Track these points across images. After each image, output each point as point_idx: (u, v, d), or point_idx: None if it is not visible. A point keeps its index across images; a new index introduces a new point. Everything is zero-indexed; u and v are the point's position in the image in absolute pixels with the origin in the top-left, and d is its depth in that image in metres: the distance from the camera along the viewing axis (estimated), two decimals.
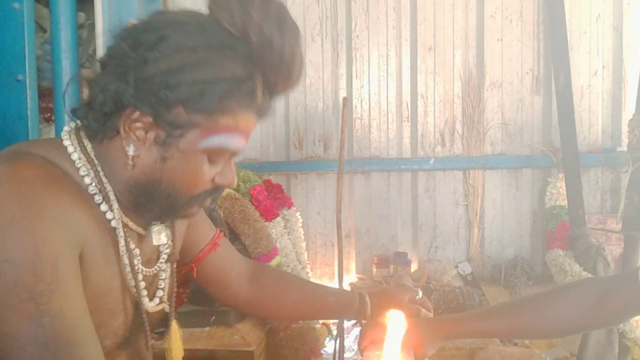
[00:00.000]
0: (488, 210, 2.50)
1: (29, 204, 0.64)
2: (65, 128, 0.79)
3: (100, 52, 1.40)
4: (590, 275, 2.02)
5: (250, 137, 0.80)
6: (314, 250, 2.52)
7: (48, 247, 0.63)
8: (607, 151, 2.42)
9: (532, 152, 2.48)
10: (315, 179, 2.51)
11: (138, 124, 0.72)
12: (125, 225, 0.78)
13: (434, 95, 2.49)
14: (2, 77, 1.25)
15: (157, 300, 0.86)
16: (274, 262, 2.02)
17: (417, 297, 1.10)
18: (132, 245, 0.79)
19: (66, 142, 0.75)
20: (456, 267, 2.38)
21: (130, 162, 0.73)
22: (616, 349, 1.90)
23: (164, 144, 0.72)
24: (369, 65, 2.49)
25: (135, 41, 0.70)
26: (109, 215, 0.76)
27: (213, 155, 0.75)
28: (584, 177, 2.40)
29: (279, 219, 2.20)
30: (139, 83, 0.70)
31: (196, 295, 1.88)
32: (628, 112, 2.34)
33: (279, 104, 2.61)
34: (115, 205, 0.76)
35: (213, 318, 1.80)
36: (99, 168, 0.75)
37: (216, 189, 0.80)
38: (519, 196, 2.50)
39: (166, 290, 0.89)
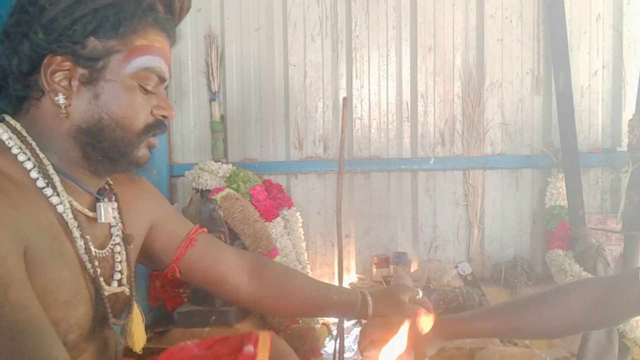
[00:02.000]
0: (488, 210, 2.50)
1: None
2: None
3: None
4: (590, 275, 2.02)
5: (169, 58, 0.83)
6: (314, 250, 2.52)
7: None
8: (607, 151, 2.42)
9: (532, 152, 2.48)
10: (315, 179, 2.51)
11: (59, 73, 0.74)
12: (73, 209, 0.78)
13: (434, 95, 2.49)
14: None
15: (115, 283, 0.85)
16: None
17: (418, 297, 1.10)
18: (80, 231, 0.79)
19: None
20: (456, 267, 2.38)
21: (64, 111, 0.74)
22: (616, 349, 1.90)
23: (91, 81, 0.75)
24: (369, 65, 2.49)
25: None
26: (53, 200, 0.75)
27: (141, 79, 0.78)
28: (584, 177, 2.40)
29: (279, 219, 2.20)
30: (47, 29, 0.72)
31: (196, 295, 1.88)
32: (628, 112, 2.33)
33: (279, 103, 2.63)
34: (58, 182, 0.76)
35: (213, 318, 1.81)
36: (33, 144, 0.75)
37: (158, 123, 0.82)
38: (519, 196, 2.50)
39: (125, 273, 0.87)
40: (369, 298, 1.09)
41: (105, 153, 0.78)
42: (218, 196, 2.07)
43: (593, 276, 1.99)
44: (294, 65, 2.49)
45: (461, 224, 2.51)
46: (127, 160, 0.80)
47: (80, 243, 0.78)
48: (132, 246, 0.89)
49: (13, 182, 0.72)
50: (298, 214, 2.35)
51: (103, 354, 0.87)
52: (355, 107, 2.50)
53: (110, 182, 0.91)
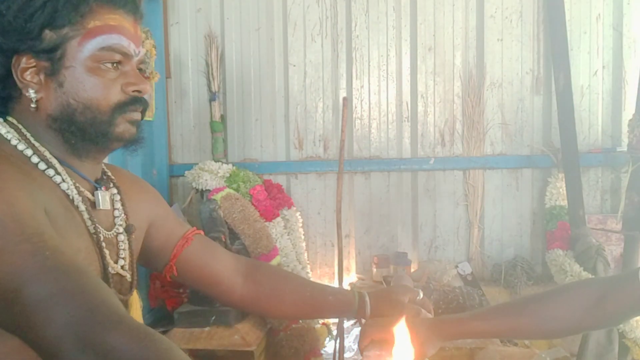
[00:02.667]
0: (488, 210, 2.50)
1: None
2: None
3: None
4: (590, 275, 2.02)
5: (133, 33, 0.84)
6: (314, 250, 2.52)
7: (21, 203, 0.67)
8: (607, 151, 2.42)
9: (532, 152, 2.48)
10: (315, 179, 2.51)
11: (28, 71, 0.78)
12: (76, 186, 0.82)
13: (434, 95, 2.49)
14: None
15: (118, 267, 0.88)
16: (274, 262, 2.02)
17: (418, 297, 1.10)
18: (85, 206, 0.82)
19: None
20: (456, 267, 2.38)
21: (33, 105, 0.79)
22: (616, 349, 1.90)
23: (54, 72, 0.79)
24: (369, 65, 2.49)
25: None
26: (56, 179, 0.80)
27: (101, 59, 0.80)
28: (584, 177, 2.40)
29: (279, 219, 2.20)
30: (6, 32, 0.77)
31: (196, 295, 1.88)
32: (628, 112, 2.33)
33: (279, 103, 2.63)
34: (57, 164, 0.80)
35: (213, 318, 1.81)
36: (28, 135, 0.80)
37: (133, 98, 0.84)
38: (519, 196, 2.50)
39: (127, 260, 0.91)
40: (367, 298, 1.10)
41: (83, 135, 0.81)
42: (218, 196, 2.07)
43: (593, 276, 1.99)
44: (294, 65, 2.49)
45: (461, 224, 2.51)
46: (107, 138, 0.83)
47: (86, 216, 0.82)
48: (134, 236, 0.93)
49: (21, 161, 0.78)
50: (298, 214, 2.35)
51: None
52: (355, 107, 2.50)
53: (109, 174, 0.94)
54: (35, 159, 0.78)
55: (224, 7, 2.49)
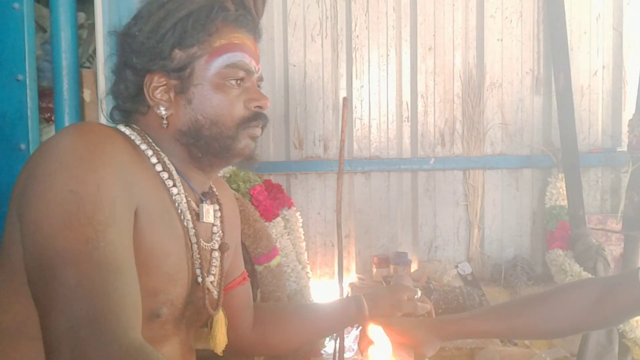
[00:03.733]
0: (488, 210, 2.50)
1: (95, 150, 0.71)
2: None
3: (100, 51, 1.40)
4: (590, 275, 2.02)
5: (254, 51, 0.88)
6: (314, 250, 2.52)
7: (108, 188, 0.69)
8: (607, 151, 2.42)
9: (532, 152, 2.48)
10: (315, 179, 2.51)
11: (159, 89, 0.82)
12: (186, 195, 0.84)
13: (434, 95, 2.49)
14: (2, 77, 1.25)
15: (208, 282, 0.89)
16: (274, 262, 2.02)
17: (416, 296, 1.10)
18: (189, 215, 0.84)
19: (121, 127, 0.84)
20: (456, 267, 2.38)
21: (165, 122, 0.83)
22: (616, 349, 1.90)
23: (183, 90, 0.82)
24: (369, 65, 2.49)
25: (123, 30, 0.84)
26: (169, 183, 0.82)
27: (227, 77, 0.83)
28: (584, 177, 2.40)
29: (279, 219, 2.20)
30: (139, 53, 0.81)
31: None
32: (628, 112, 2.33)
33: (279, 104, 2.62)
34: (173, 171, 0.83)
35: None
36: (149, 139, 0.83)
37: (255, 114, 0.87)
38: (519, 196, 2.50)
39: (217, 277, 0.91)
40: (364, 300, 1.10)
41: (208, 149, 0.84)
42: None
43: (593, 276, 1.99)
44: (294, 65, 2.49)
45: (461, 224, 2.51)
46: (230, 153, 0.86)
47: (189, 225, 0.84)
48: (226, 255, 0.94)
49: (138, 151, 0.81)
50: (298, 214, 2.35)
51: (183, 355, 0.91)
52: (355, 107, 2.50)
53: (215, 190, 0.96)
54: (154, 160, 0.81)
55: None
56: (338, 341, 1.50)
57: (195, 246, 0.84)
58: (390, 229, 2.52)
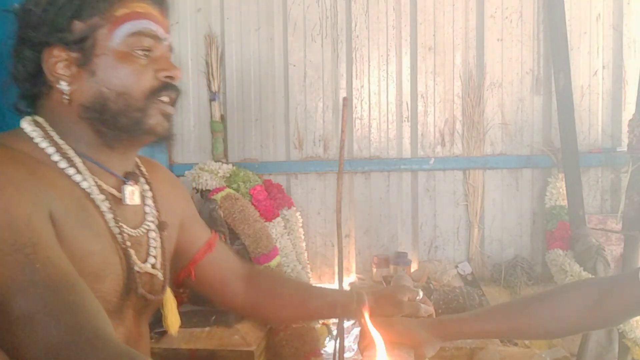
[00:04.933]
0: (488, 210, 2.50)
1: None
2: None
3: None
4: (590, 275, 2.02)
5: (161, 19, 0.85)
6: (314, 250, 2.52)
7: (17, 208, 0.66)
8: (607, 151, 2.42)
9: (532, 152, 2.48)
10: (315, 179, 2.51)
11: (59, 64, 0.78)
12: (98, 185, 0.81)
13: (434, 95, 2.49)
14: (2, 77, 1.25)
15: (148, 265, 0.86)
16: (274, 262, 2.02)
17: (418, 297, 1.10)
18: (108, 205, 0.80)
19: (23, 124, 0.80)
20: (456, 267, 2.38)
21: (66, 97, 0.79)
22: (616, 349, 1.90)
23: (85, 62, 0.79)
24: (369, 65, 2.49)
25: (19, 6, 0.80)
26: (76, 178, 0.78)
27: (132, 45, 0.80)
28: (584, 177, 2.40)
29: (279, 219, 2.20)
30: (36, 27, 0.78)
31: (196, 295, 1.88)
32: (628, 112, 2.33)
33: (279, 103, 2.63)
34: (79, 163, 0.79)
35: (213, 318, 1.80)
36: (52, 133, 0.79)
37: (165, 84, 0.84)
38: (519, 196, 2.50)
39: (159, 259, 0.89)
40: (366, 298, 1.10)
41: (115, 125, 0.80)
42: (218, 196, 2.07)
43: (593, 276, 1.99)
44: (294, 65, 2.49)
45: (461, 224, 2.51)
46: (140, 129, 0.83)
47: (109, 216, 0.80)
48: (166, 233, 0.91)
49: (36, 161, 0.76)
50: (298, 214, 2.35)
51: (131, 344, 0.87)
52: (355, 107, 2.50)
53: (143, 170, 0.93)
54: (56, 157, 0.78)
55: (224, 7, 2.49)
56: (338, 341, 1.50)
57: (120, 236, 0.81)
58: (390, 229, 2.52)
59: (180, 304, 1.96)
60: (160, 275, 0.89)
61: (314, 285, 1.19)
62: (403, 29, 2.48)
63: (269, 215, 2.15)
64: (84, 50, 0.78)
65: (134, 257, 0.83)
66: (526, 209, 2.50)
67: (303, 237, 2.33)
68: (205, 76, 2.49)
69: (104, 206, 0.80)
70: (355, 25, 2.47)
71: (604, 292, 0.93)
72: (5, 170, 0.69)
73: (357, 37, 2.48)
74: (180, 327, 1.84)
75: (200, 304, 1.86)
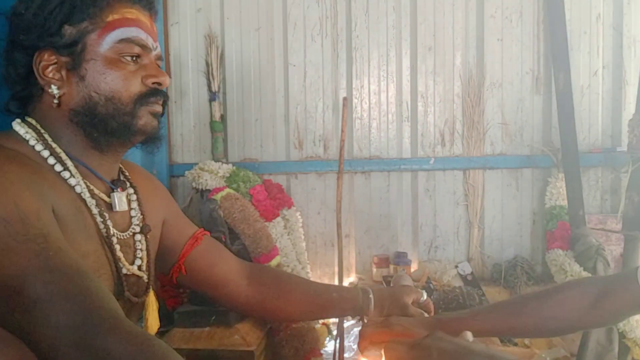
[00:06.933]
0: (488, 210, 2.50)
1: None
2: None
3: None
4: (590, 275, 2.02)
5: (150, 27, 0.85)
6: (314, 250, 2.52)
7: (26, 203, 0.68)
8: (607, 151, 2.42)
9: (532, 152, 2.48)
10: (315, 179, 2.51)
11: (49, 68, 0.80)
12: (89, 189, 0.83)
13: (434, 95, 2.49)
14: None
15: (135, 267, 0.88)
16: (274, 262, 2.02)
17: (422, 299, 1.10)
18: (99, 209, 0.82)
19: (16, 127, 0.81)
20: (456, 267, 2.38)
21: (56, 101, 0.80)
22: (616, 349, 1.90)
23: (74, 66, 0.80)
24: (369, 65, 2.49)
25: (11, 10, 0.81)
26: (71, 182, 0.80)
27: (121, 52, 0.81)
28: (584, 177, 2.40)
29: (279, 219, 2.20)
30: (27, 31, 0.79)
31: (196, 295, 1.88)
32: (628, 112, 2.33)
33: (279, 103, 2.63)
34: (71, 166, 0.81)
35: (213, 318, 1.80)
36: (45, 135, 0.81)
37: (152, 91, 0.84)
38: (519, 196, 2.50)
39: (144, 261, 0.91)
40: (371, 295, 1.10)
41: (105, 128, 0.82)
42: (218, 196, 2.07)
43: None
44: (294, 65, 2.49)
45: (461, 224, 2.51)
46: (130, 131, 0.84)
47: (99, 219, 0.82)
48: (149, 236, 0.93)
49: (34, 162, 0.78)
50: (298, 214, 2.35)
51: None
52: (355, 107, 2.50)
53: (127, 174, 0.94)
54: (52, 160, 0.79)
55: (224, 7, 2.49)
56: (338, 341, 1.50)
57: (108, 240, 0.82)
58: (390, 229, 2.52)
59: (180, 303, 1.96)
60: (145, 277, 0.91)
61: (318, 283, 1.19)
62: (403, 29, 2.48)
63: (269, 215, 2.15)
64: (73, 54, 0.80)
65: (123, 259, 0.85)
66: (526, 209, 2.50)
67: (303, 237, 2.33)
68: (205, 76, 2.49)
69: (95, 210, 0.82)
70: (355, 25, 2.48)
71: (603, 291, 0.94)
72: (12, 169, 0.71)
73: (357, 37, 2.48)
74: (180, 327, 1.85)
75: (200, 304, 1.86)
